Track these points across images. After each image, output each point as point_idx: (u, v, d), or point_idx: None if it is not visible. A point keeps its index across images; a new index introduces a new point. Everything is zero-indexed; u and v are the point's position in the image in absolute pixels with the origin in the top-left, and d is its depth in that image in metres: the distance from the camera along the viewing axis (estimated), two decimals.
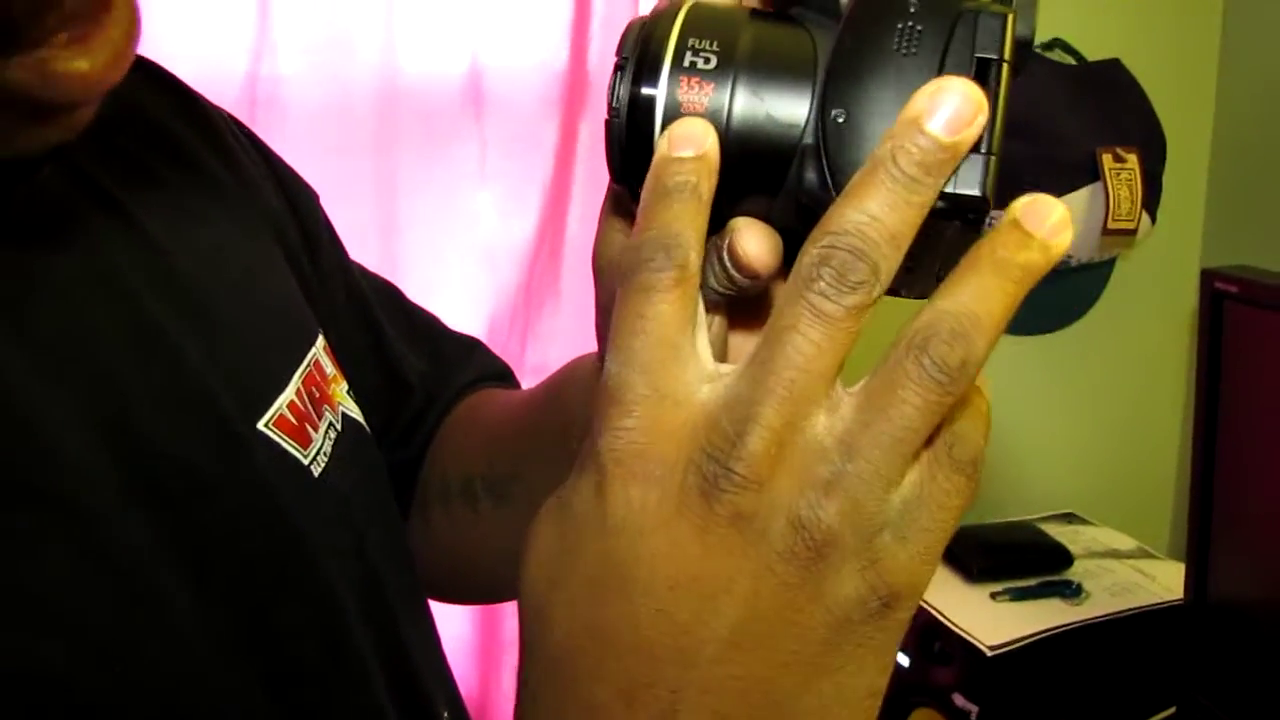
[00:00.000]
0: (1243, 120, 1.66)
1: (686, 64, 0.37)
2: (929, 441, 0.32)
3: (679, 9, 0.38)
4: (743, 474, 0.31)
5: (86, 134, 0.38)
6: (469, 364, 0.73)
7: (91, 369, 0.42)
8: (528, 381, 1.34)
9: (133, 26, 0.35)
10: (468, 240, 1.31)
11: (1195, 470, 1.12)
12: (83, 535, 0.39)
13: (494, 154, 1.29)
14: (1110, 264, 1.66)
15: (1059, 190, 1.49)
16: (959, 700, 1.21)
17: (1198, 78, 1.68)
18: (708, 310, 0.40)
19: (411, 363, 0.70)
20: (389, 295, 0.72)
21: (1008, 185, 1.26)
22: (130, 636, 0.39)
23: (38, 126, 0.35)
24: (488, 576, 0.68)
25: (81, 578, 0.38)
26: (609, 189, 0.46)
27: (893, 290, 0.35)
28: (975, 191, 0.34)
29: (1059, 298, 1.66)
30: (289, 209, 0.61)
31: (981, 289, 0.31)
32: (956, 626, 1.23)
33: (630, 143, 0.38)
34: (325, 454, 0.51)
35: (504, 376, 0.75)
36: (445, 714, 0.57)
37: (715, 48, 0.37)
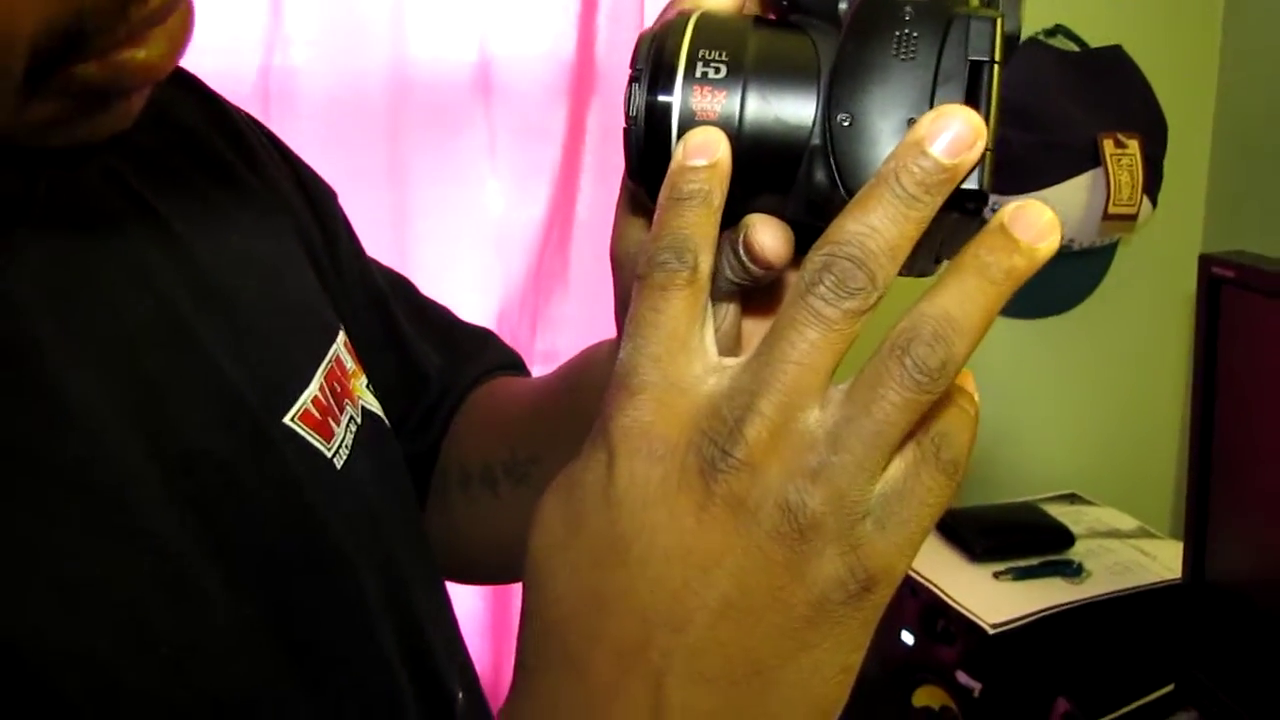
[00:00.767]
0: (1244, 106, 1.67)
1: (699, 74, 0.39)
2: (917, 440, 0.34)
3: (687, 21, 0.40)
4: (739, 458, 0.33)
5: (117, 135, 0.39)
6: (482, 354, 0.75)
7: (128, 367, 0.44)
8: (538, 368, 1.37)
9: (188, 17, 0.37)
10: (477, 228, 1.32)
11: (1193, 452, 1.13)
12: (125, 525, 0.41)
13: (503, 142, 1.30)
14: (1112, 248, 1.67)
15: (1060, 175, 1.50)
16: (962, 677, 1.23)
17: (1199, 64, 1.69)
18: (722, 300, 0.43)
19: (427, 355, 0.71)
20: (403, 289, 0.73)
21: (1011, 171, 1.29)
22: (169, 623, 0.41)
23: (97, 116, 0.38)
24: (510, 557, 0.70)
25: (125, 566, 0.40)
26: (624, 187, 0.48)
27: None
28: (974, 185, 0.36)
29: (1061, 282, 1.67)
30: (308, 207, 0.63)
31: (963, 293, 0.33)
32: (959, 605, 1.25)
33: (648, 148, 0.40)
34: (347, 446, 0.53)
35: (516, 366, 0.76)
36: (460, 694, 0.59)
37: (724, 57, 0.39)
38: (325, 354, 0.55)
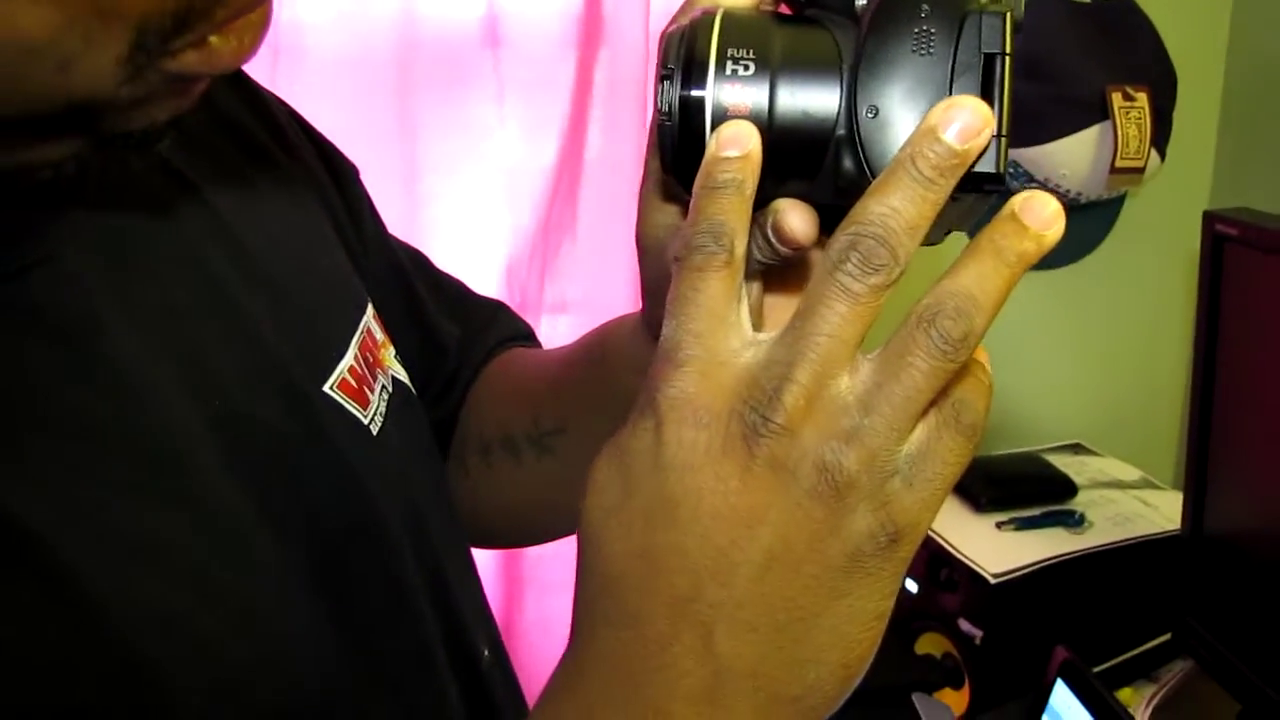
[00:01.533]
0: (1255, 60, 1.66)
1: (729, 71, 0.43)
2: (939, 407, 0.37)
3: (713, 20, 0.43)
4: (779, 423, 0.36)
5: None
6: (495, 326, 0.77)
7: (184, 342, 0.47)
8: (547, 318, 1.38)
9: (268, 10, 0.40)
10: (486, 180, 1.33)
11: (1194, 406, 1.15)
12: (186, 490, 0.44)
13: (511, 96, 1.31)
14: (1119, 201, 1.66)
15: (1068, 128, 1.50)
16: (964, 625, 1.25)
17: (1210, 16, 1.67)
18: (749, 278, 0.46)
19: (444, 327, 0.74)
20: (421, 263, 0.75)
21: (1019, 123, 1.29)
22: (230, 583, 0.44)
23: (174, 98, 0.40)
24: (529, 523, 0.73)
25: (188, 530, 0.43)
26: (647, 175, 0.51)
27: None
28: (991, 169, 0.39)
29: (1068, 234, 1.64)
30: (333, 185, 0.65)
31: (981, 273, 0.36)
32: (963, 555, 1.27)
33: (682, 141, 0.43)
34: (380, 414, 0.56)
35: (528, 337, 0.79)
36: (485, 652, 0.62)
37: (752, 55, 0.43)
38: (358, 326, 0.57)
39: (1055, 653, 1.12)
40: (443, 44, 1.27)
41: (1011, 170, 1.53)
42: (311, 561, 0.48)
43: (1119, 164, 1.49)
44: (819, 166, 0.43)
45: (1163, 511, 1.37)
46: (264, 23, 0.39)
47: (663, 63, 0.43)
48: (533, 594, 1.43)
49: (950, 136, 0.37)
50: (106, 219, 0.46)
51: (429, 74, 1.27)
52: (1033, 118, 1.51)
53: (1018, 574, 1.24)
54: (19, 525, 0.38)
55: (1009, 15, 0.41)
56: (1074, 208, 1.59)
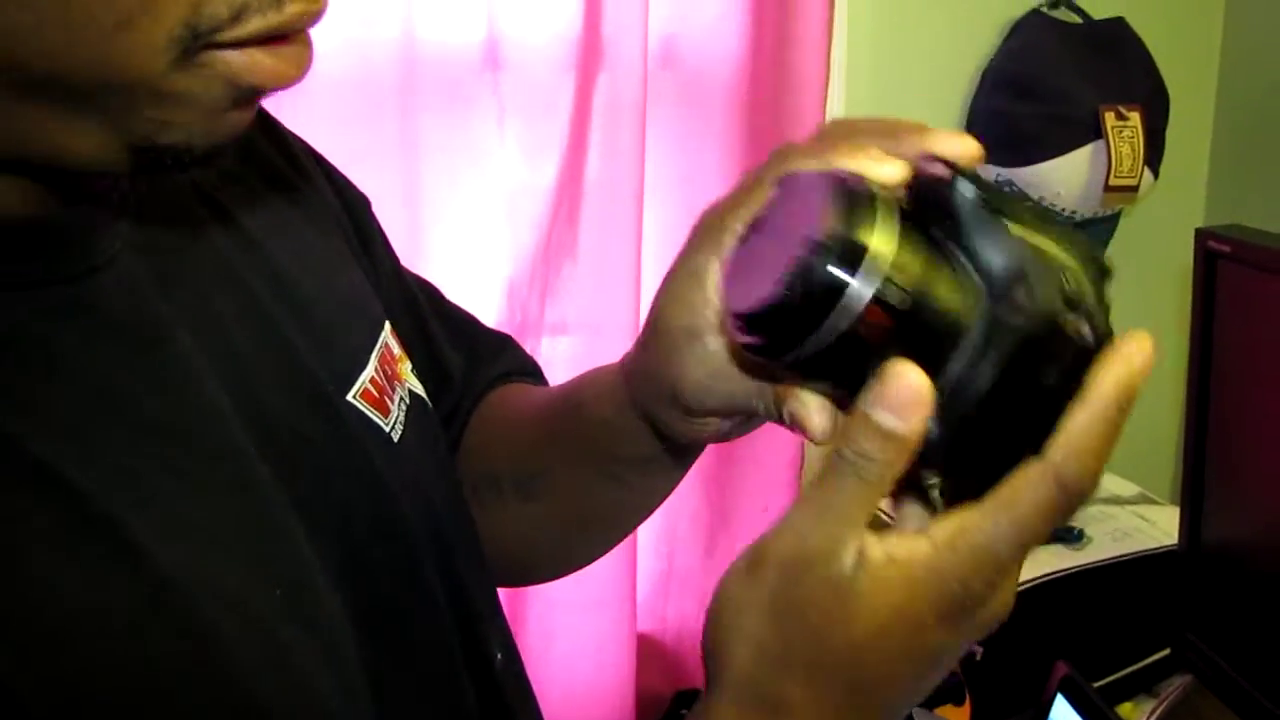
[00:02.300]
0: (1247, 80, 1.68)
1: (885, 294, 0.41)
2: None
3: (888, 215, 0.42)
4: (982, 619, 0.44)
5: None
6: (500, 359, 0.78)
7: (224, 347, 0.50)
8: (547, 339, 1.39)
9: (310, 45, 0.42)
10: (487, 204, 1.35)
11: (1189, 421, 1.16)
12: (236, 481, 0.47)
13: (512, 120, 1.33)
14: (1114, 219, 1.70)
15: (1063, 147, 1.53)
16: None
17: (1202, 36, 1.71)
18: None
19: (452, 357, 0.75)
20: (432, 296, 0.77)
21: (1014, 143, 1.31)
22: (280, 566, 0.47)
23: (235, 114, 0.42)
24: (510, 561, 0.74)
25: (240, 517, 0.46)
26: (692, 265, 0.52)
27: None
28: None
29: None
30: (346, 213, 0.67)
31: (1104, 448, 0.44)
32: None
33: (799, 310, 0.42)
34: (400, 423, 0.59)
35: (533, 373, 0.80)
36: (499, 655, 0.63)
37: (909, 296, 0.41)
38: (377, 339, 0.60)
39: (1056, 668, 1.13)
40: (444, 67, 1.29)
41: (1008, 188, 1.56)
42: (338, 558, 0.50)
43: (1113, 182, 1.52)
44: (858, 389, 0.43)
45: (1161, 526, 1.38)
46: (309, 54, 0.42)
47: (815, 217, 0.41)
48: (536, 609, 1.44)
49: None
50: (152, 232, 0.49)
51: (430, 97, 1.29)
52: (1028, 137, 1.54)
53: (1018, 589, 1.24)
54: (92, 505, 0.40)
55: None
56: (1070, 225, 1.62)
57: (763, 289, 0.42)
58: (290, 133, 0.66)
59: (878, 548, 0.43)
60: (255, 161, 0.60)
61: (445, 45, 1.28)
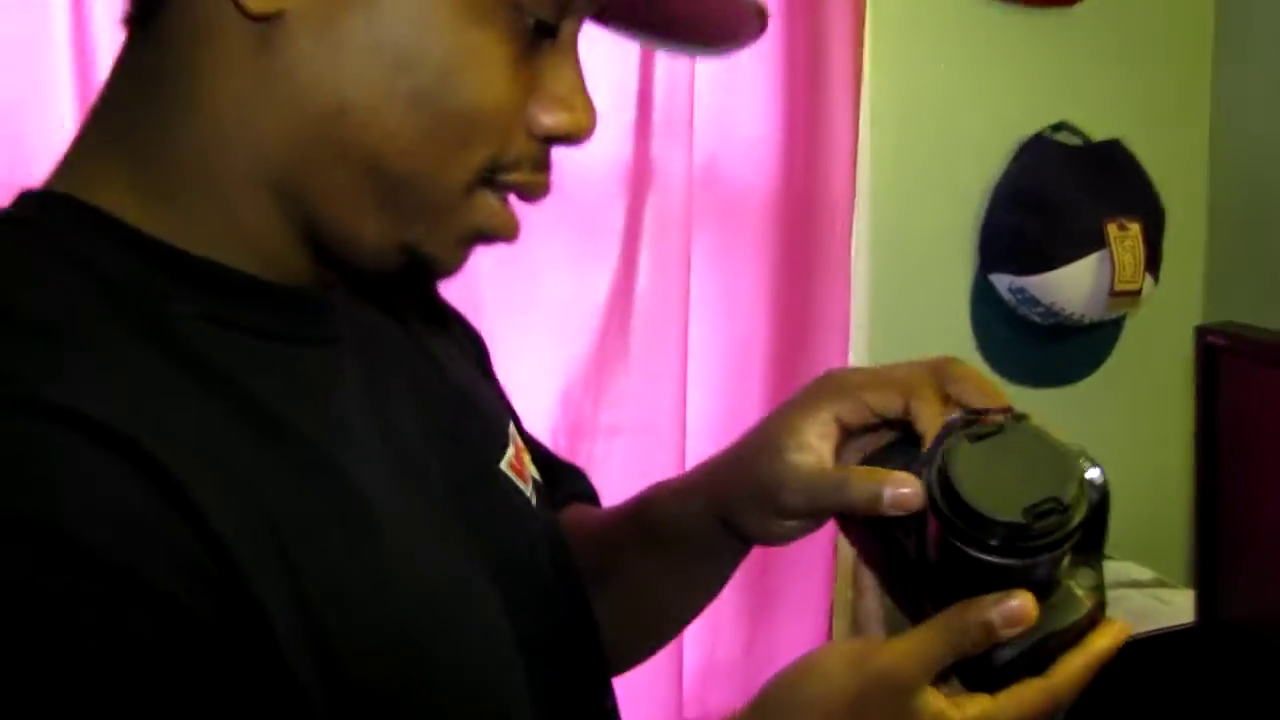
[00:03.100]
0: (1233, 189, 1.81)
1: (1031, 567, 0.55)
2: None
3: (1073, 531, 0.54)
4: None
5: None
6: (571, 482, 0.89)
7: (415, 415, 0.62)
8: (601, 442, 1.48)
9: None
10: (544, 316, 1.46)
11: (1198, 505, 1.25)
12: (430, 502, 0.59)
13: (567, 237, 1.44)
14: (1121, 321, 1.81)
15: (1071, 257, 1.64)
16: None
17: (1191, 152, 1.84)
18: None
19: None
20: (518, 420, 0.91)
21: (1027, 255, 1.47)
22: (459, 566, 0.59)
23: (468, 248, 0.56)
24: None
25: (432, 524, 0.58)
26: (804, 400, 0.67)
27: None
28: None
29: (1077, 353, 1.80)
30: (468, 339, 0.80)
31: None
32: None
33: (936, 576, 0.57)
34: (532, 495, 0.70)
35: (593, 499, 0.91)
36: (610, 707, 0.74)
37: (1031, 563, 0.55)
38: (509, 430, 0.72)
39: None
40: None
41: (1019, 295, 1.67)
42: (485, 561, 0.61)
43: (1118, 288, 1.63)
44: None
45: (1176, 606, 1.47)
46: (519, 223, 0.56)
47: (976, 531, 0.53)
48: None
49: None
50: (359, 315, 0.62)
51: None
52: (1038, 249, 1.66)
53: None
54: (349, 480, 0.54)
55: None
56: (1079, 329, 1.74)
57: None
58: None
59: (940, 698, 0.55)
60: (410, 289, 0.72)
61: None
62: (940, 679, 0.55)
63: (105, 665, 0.41)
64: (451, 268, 0.56)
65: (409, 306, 0.69)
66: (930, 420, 0.60)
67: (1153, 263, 1.68)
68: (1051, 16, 1.75)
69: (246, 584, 0.45)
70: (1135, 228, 1.65)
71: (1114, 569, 1.61)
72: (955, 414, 0.57)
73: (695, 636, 1.62)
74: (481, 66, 0.51)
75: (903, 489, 0.57)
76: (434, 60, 0.50)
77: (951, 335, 1.71)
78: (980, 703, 0.54)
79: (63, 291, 0.48)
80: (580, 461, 1.22)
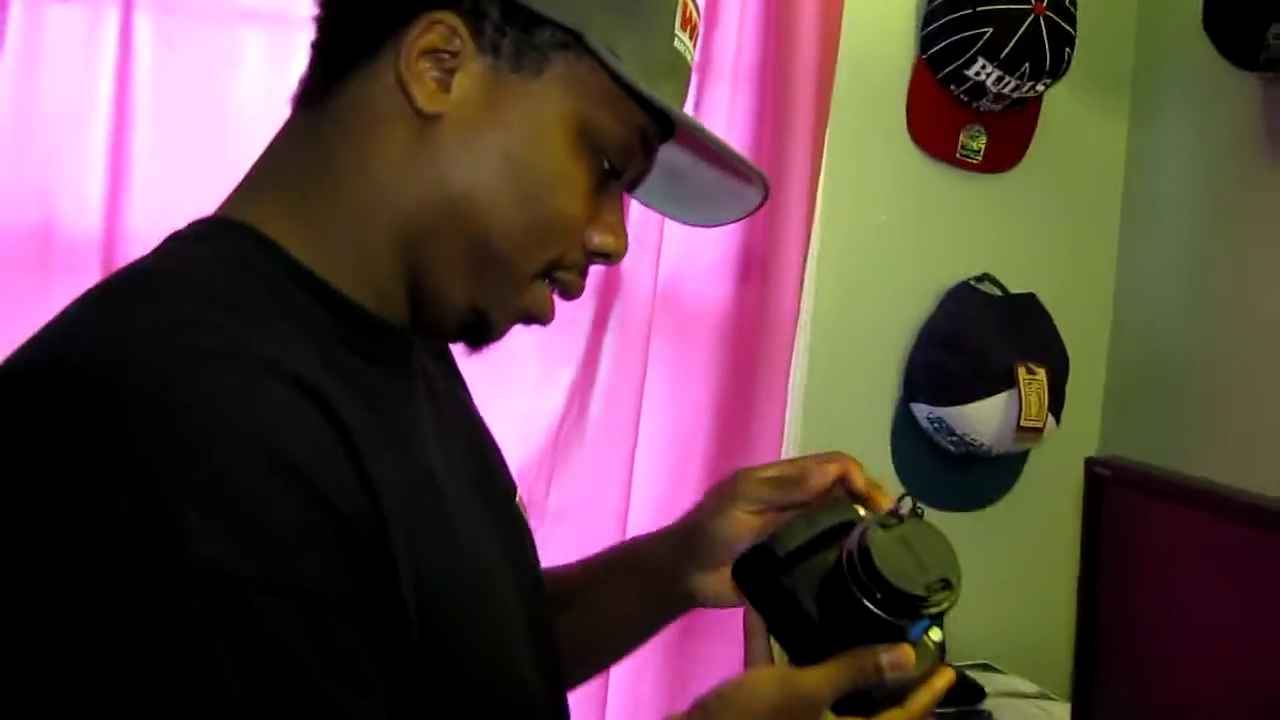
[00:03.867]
0: (1131, 345, 1.97)
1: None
2: None
3: (954, 598, 0.73)
4: None
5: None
6: None
7: (444, 451, 0.74)
8: (550, 523, 1.60)
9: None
10: (511, 396, 1.57)
11: (1080, 626, 1.36)
12: (463, 507, 0.72)
13: (540, 328, 1.57)
14: (1024, 455, 1.95)
15: (983, 393, 1.79)
16: None
17: (1096, 309, 2.01)
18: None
19: None
20: None
21: (945, 389, 1.68)
22: (491, 550, 0.73)
23: (514, 324, 0.70)
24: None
25: (474, 521, 0.72)
26: (731, 482, 0.84)
27: None
28: None
29: (982, 482, 1.94)
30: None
31: None
32: None
33: (835, 626, 0.72)
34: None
35: None
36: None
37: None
38: (514, 478, 0.86)
39: None
40: None
41: (936, 425, 1.82)
42: (509, 561, 0.76)
43: (1023, 424, 1.77)
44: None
45: (1058, 716, 1.61)
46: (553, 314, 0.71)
47: (900, 608, 0.70)
48: None
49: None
50: (421, 357, 0.76)
51: None
52: (955, 384, 1.81)
53: None
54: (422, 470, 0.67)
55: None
56: (987, 460, 1.88)
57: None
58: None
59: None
60: (447, 358, 0.86)
61: None
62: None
63: (298, 553, 0.54)
64: (498, 335, 0.71)
65: (446, 357, 0.83)
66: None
67: (1055, 404, 1.81)
68: (986, 180, 1.90)
69: (386, 531, 0.59)
70: (1042, 372, 1.78)
71: (1002, 681, 1.75)
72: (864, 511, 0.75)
73: (618, 708, 1.71)
74: (572, 188, 0.67)
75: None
76: (542, 175, 0.66)
77: (873, 455, 1.80)
78: None
79: (248, 289, 0.62)
80: None
